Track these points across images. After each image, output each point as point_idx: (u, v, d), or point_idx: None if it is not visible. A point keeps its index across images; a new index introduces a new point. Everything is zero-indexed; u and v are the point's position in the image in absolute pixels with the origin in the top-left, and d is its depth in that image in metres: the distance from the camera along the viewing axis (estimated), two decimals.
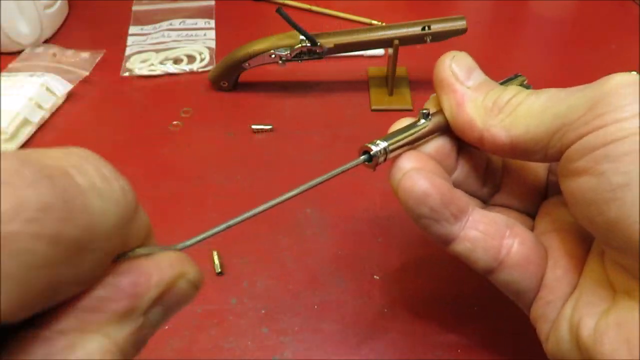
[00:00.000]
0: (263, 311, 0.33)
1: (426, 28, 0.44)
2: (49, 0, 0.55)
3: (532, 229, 0.27)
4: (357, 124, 0.46)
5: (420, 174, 0.23)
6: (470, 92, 0.24)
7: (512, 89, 0.23)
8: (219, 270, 0.35)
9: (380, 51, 0.53)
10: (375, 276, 0.35)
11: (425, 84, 0.49)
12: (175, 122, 0.47)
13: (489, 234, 0.24)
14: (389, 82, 0.48)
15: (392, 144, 0.24)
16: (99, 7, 0.62)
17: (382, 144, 0.24)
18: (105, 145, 0.45)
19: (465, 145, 0.26)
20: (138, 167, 0.43)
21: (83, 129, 0.46)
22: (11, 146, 0.43)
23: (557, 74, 0.51)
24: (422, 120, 0.25)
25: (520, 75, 0.28)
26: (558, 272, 0.24)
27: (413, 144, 0.25)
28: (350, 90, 0.50)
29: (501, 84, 0.25)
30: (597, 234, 0.21)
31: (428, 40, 0.45)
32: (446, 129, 0.25)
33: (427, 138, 0.25)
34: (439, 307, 0.33)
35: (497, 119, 0.23)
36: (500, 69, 0.52)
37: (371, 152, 0.24)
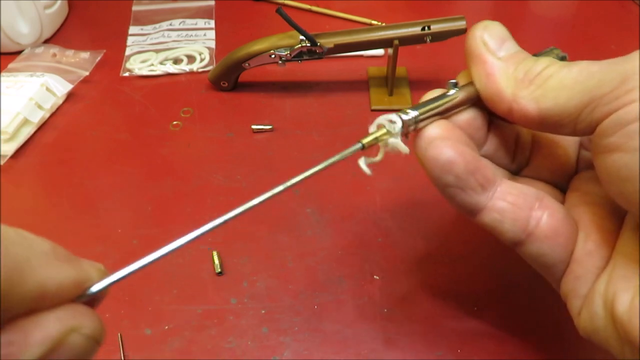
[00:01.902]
0: (263, 311, 0.33)
1: (426, 28, 0.44)
2: (49, 0, 0.55)
3: (562, 202, 0.26)
4: (357, 124, 0.46)
5: (445, 142, 0.23)
6: (501, 62, 0.23)
7: (545, 60, 0.23)
8: (219, 270, 0.35)
9: (380, 51, 0.53)
10: (375, 276, 0.35)
11: (425, 83, 0.49)
12: (175, 122, 0.47)
13: (517, 205, 0.23)
14: (389, 82, 0.48)
15: (423, 113, 0.24)
16: (99, 7, 0.62)
17: (413, 113, 0.24)
18: (105, 145, 0.45)
19: (495, 118, 0.26)
20: (138, 167, 0.43)
21: (83, 129, 0.46)
22: (11, 146, 0.43)
23: None
24: (452, 91, 0.24)
25: (555, 49, 0.28)
26: (589, 246, 0.23)
27: (443, 114, 0.24)
28: (350, 90, 0.50)
29: (535, 55, 0.25)
30: (632, 209, 0.21)
31: (428, 40, 0.45)
32: (477, 101, 0.25)
33: (457, 109, 0.25)
34: (439, 307, 0.33)
35: (527, 90, 0.22)
36: None
37: (403, 119, 0.23)
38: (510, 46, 0.24)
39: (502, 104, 0.23)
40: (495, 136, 0.27)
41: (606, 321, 0.21)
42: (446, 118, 0.25)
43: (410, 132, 0.24)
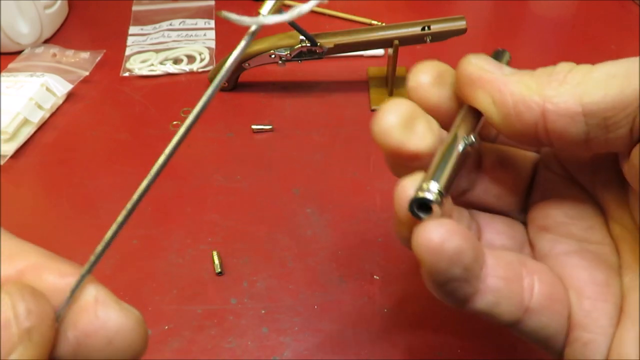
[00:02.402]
0: (263, 311, 0.33)
1: (426, 28, 0.44)
2: (49, 0, 0.55)
3: (512, 234, 0.23)
4: (357, 124, 0.46)
5: (445, 226, 0.18)
6: (511, 76, 0.19)
7: (566, 64, 0.19)
8: (219, 270, 0.35)
9: (380, 51, 0.53)
10: (375, 276, 0.35)
11: None
12: (175, 122, 0.47)
13: (509, 278, 0.19)
14: (389, 82, 0.48)
15: (442, 178, 0.18)
16: (99, 7, 0.62)
17: (434, 186, 0.18)
18: (105, 145, 0.45)
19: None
20: (138, 167, 0.43)
21: (83, 129, 0.46)
22: (11, 146, 0.43)
23: None
24: (462, 146, 0.20)
25: (505, 51, 0.24)
26: (586, 305, 0.20)
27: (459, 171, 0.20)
28: (350, 90, 0.50)
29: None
30: None
31: (428, 40, 0.45)
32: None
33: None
34: (439, 307, 0.33)
35: (561, 88, 0.18)
36: None
37: (429, 201, 0.18)
38: (510, 68, 0.20)
39: (529, 113, 0.18)
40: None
41: None
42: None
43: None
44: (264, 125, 0.46)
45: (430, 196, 0.18)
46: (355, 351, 0.31)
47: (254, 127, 0.46)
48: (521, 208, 0.24)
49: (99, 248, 0.17)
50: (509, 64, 0.22)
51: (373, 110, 0.47)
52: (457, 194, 0.23)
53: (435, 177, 0.18)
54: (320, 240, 0.37)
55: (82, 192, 0.41)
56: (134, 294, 0.34)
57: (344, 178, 0.41)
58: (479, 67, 0.20)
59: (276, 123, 0.46)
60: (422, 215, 0.18)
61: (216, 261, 0.35)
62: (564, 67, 0.19)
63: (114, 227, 0.18)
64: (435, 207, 0.18)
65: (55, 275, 0.17)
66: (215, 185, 0.41)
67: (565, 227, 0.22)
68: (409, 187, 0.19)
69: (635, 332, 0.19)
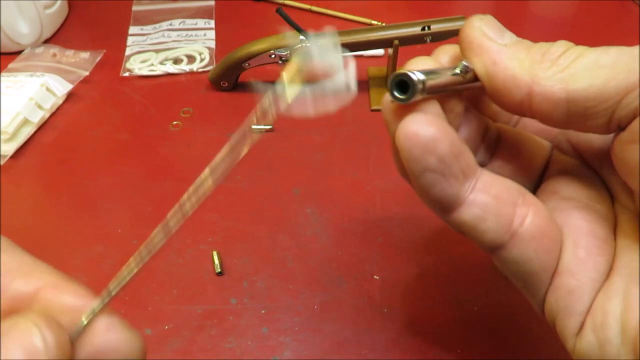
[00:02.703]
0: (263, 311, 0.33)
1: (426, 28, 0.44)
2: (49, 0, 0.55)
3: None
4: (357, 124, 0.46)
5: (426, 116, 0.19)
6: (508, 48, 0.20)
7: (562, 43, 0.19)
8: (219, 270, 0.35)
9: (380, 51, 0.53)
10: (375, 276, 0.35)
11: None
12: (175, 122, 0.47)
13: (501, 199, 0.20)
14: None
15: (431, 79, 0.19)
16: (99, 7, 0.62)
17: (419, 76, 0.19)
18: (105, 145, 0.45)
19: (471, 107, 0.23)
20: (138, 167, 0.43)
21: (83, 129, 0.46)
22: (11, 146, 0.43)
23: None
24: (457, 70, 0.21)
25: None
26: (580, 254, 0.20)
27: (439, 92, 0.20)
28: None
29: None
30: None
31: (428, 40, 0.45)
32: (475, 90, 0.22)
33: (453, 91, 0.21)
34: (439, 307, 0.33)
35: (550, 71, 0.19)
36: None
37: (412, 80, 0.18)
38: (511, 36, 0.21)
39: (518, 90, 0.19)
40: (465, 127, 0.23)
41: (626, 348, 0.18)
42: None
43: (415, 100, 0.19)
44: (264, 125, 0.46)
45: (413, 76, 0.18)
46: (355, 351, 0.31)
47: (254, 127, 0.45)
48: (534, 189, 0.24)
49: (112, 285, 0.19)
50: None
51: (373, 110, 0.47)
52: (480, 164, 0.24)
53: (423, 72, 0.19)
54: (320, 240, 0.37)
55: (82, 192, 0.41)
56: (134, 294, 0.34)
57: (344, 178, 0.41)
58: (481, 32, 0.21)
59: (276, 123, 0.46)
60: (398, 94, 0.19)
61: (216, 261, 0.35)
62: (559, 47, 0.19)
63: (128, 269, 0.20)
64: (412, 87, 0.18)
65: (73, 297, 0.18)
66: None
67: (574, 191, 0.22)
68: (413, 121, 0.19)
69: (621, 288, 0.19)
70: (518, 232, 0.20)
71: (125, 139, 0.45)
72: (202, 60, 0.53)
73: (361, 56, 0.53)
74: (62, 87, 0.48)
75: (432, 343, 0.31)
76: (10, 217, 0.39)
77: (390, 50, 0.46)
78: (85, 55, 0.53)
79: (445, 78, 0.20)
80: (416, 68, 0.20)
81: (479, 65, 0.21)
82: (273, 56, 0.46)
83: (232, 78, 0.48)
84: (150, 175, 0.42)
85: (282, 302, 0.33)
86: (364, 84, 0.50)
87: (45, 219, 0.39)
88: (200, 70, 0.52)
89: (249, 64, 0.47)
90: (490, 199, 0.20)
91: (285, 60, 0.46)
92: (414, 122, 0.19)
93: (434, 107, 0.20)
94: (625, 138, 0.18)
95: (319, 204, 0.39)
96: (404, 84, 0.19)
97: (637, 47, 0.18)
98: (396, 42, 0.45)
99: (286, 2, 0.61)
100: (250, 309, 0.33)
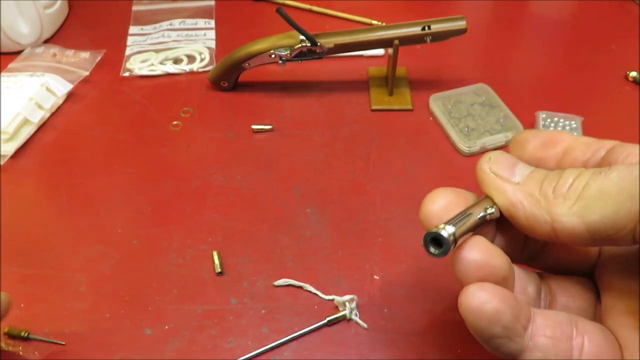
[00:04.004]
0: (263, 311, 0.33)
1: (426, 28, 0.44)
2: (49, 0, 0.55)
3: (592, 296, 0.25)
4: (357, 124, 0.46)
5: (485, 289, 0.21)
6: (522, 187, 0.22)
7: (571, 172, 0.21)
8: (219, 270, 0.35)
9: (380, 51, 0.53)
10: (375, 276, 0.35)
11: (425, 83, 0.49)
12: (175, 122, 0.47)
13: (557, 337, 0.21)
14: (389, 82, 0.48)
15: (459, 228, 0.21)
16: (99, 7, 0.62)
17: (450, 230, 0.21)
18: (105, 145, 0.45)
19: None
20: (138, 167, 0.43)
21: (83, 128, 0.46)
22: (11, 146, 0.43)
23: (557, 74, 0.51)
24: (490, 209, 0.23)
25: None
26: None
27: (474, 230, 0.23)
28: (350, 90, 0.50)
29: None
30: None
31: (428, 40, 0.45)
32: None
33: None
34: (439, 307, 0.33)
35: (564, 206, 0.20)
36: (500, 69, 0.52)
37: (443, 237, 0.21)
38: (523, 168, 0.22)
39: (542, 228, 0.21)
40: (504, 229, 0.24)
41: None
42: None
43: (451, 249, 0.21)
44: (264, 125, 0.46)
45: (444, 233, 0.21)
46: (355, 351, 0.31)
47: (254, 127, 0.46)
48: (593, 269, 0.25)
49: None
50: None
51: (373, 110, 0.47)
52: (530, 256, 0.26)
53: (452, 223, 0.21)
54: (320, 240, 0.37)
55: (82, 192, 0.41)
56: (134, 294, 0.34)
57: (344, 178, 0.41)
58: (492, 175, 0.23)
59: (276, 123, 0.46)
60: (434, 250, 0.21)
61: (216, 261, 0.35)
62: (568, 177, 0.21)
63: None
64: (445, 244, 0.21)
65: None
66: (215, 185, 0.41)
67: (626, 282, 0.23)
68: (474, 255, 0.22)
69: None
70: None
71: (125, 139, 0.45)
72: (202, 60, 0.53)
73: (361, 56, 0.53)
74: (62, 87, 0.48)
75: (432, 343, 0.31)
76: (10, 217, 0.39)
77: (390, 50, 0.46)
78: (85, 55, 0.53)
79: (472, 221, 0.22)
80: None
81: (501, 205, 0.22)
82: (273, 56, 0.46)
83: (232, 78, 0.48)
84: (150, 175, 0.42)
85: (282, 302, 0.33)
86: (364, 84, 0.50)
87: (45, 219, 0.39)
88: (200, 70, 0.52)
89: (249, 64, 0.47)
90: (548, 340, 0.21)
91: (285, 60, 0.46)
92: (475, 297, 0.20)
93: (481, 245, 0.22)
94: None
95: (319, 204, 0.39)
96: (437, 239, 0.21)
97: (637, 167, 0.19)
98: (396, 42, 0.45)
99: (286, 2, 0.61)
100: (250, 309, 0.33)
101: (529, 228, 0.21)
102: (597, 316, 0.24)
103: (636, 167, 0.19)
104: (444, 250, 0.21)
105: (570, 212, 0.20)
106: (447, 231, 0.21)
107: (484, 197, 0.23)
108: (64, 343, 0.32)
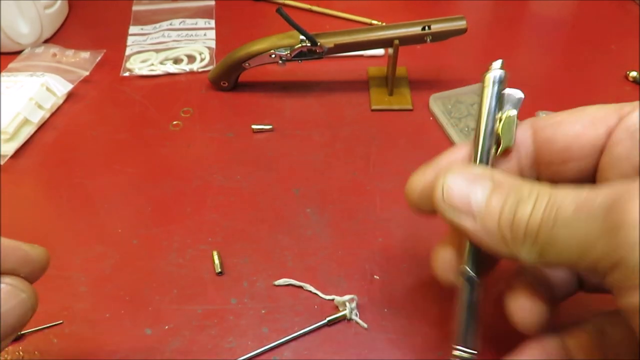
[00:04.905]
0: (263, 311, 0.33)
1: (426, 28, 0.44)
2: (49, 0, 0.55)
3: None
4: (357, 124, 0.46)
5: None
6: (481, 222, 0.22)
7: (525, 203, 0.21)
8: (219, 270, 0.35)
9: (380, 51, 0.53)
10: (375, 276, 0.35)
11: (425, 83, 0.49)
12: (175, 122, 0.47)
13: None
14: (389, 82, 0.48)
15: (470, 341, 0.24)
16: (99, 7, 0.62)
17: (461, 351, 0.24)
18: (105, 145, 0.45)
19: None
20: (138, 167, 0.43)
21: (83, 128, 0.46)
22: (11, 146, 0.43)
23: (557, 74, 0.51)
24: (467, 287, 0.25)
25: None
26: None
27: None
28: (350, 90, 0.50)
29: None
30: None
31: (428, 40, 0.45)
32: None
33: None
34: (439, 307, 0.33)
35: (524, 247, 0.21)
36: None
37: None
38: (479, 192, 0.22)
39: (510, 258, 0.22)
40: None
41: None
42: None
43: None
44: (264, 125, 0.46)
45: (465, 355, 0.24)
46: (355, 351, 0.31)
47: (254, 127, 0.46)
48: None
49: None
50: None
51: (373, 110, 0.47)
52: (572, 290, 0.26)
53: (460, 342, 0.24)
54: (320, 240, 0.37)
55: (82, 192, 0.41)
56: (134, 294, 0.34)
57: (344, 178, 0.41)
58: (451, 209, 0.23)
59: (276, 123, 0.46)
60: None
61: (216, 261, 0.35)
62: (522, 210, 0.21)
63: None
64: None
65: None
66: (215, 185, 0.41)
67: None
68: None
69: None
70: None
71: (125, 139, 0.45)
72: (202, 60, 0.53)
73: (361, 56, 0.53)
74: (62, 87, 0.48)
75: (432, 343, 0.31)
76: (10, 217, 0.39)
77: (390, 50, 0.46)
78: (85, 55, 0.53)
79: (468, 313, 0.25)
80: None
81: (467, 234, 0.23)
82: (273, 56, 0.46)
83: (232, 78, 0.48)
84: (150, 175, 0.42)
85: (282, 302, 0.33)
86: (364, 84, 0.50)
87: (45, 219, 0.39)
88: (200, 70, 0.52)
89: (249, 64, 0.47)
90: None
91: (285, 60, 0.46)
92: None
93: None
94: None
95: (319, 204, 0.39)
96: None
97: (583, 208, 0.19)
98: (396, 42, 0.45)
99: (286, 2, 0.61)
100: (250, 309, 0.33)
101: (501, 256, 0.22)
102: None
103: (583, 208, 0.19)
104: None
105: (530, 254, 0.21)
106: (464, 353, 0.24)
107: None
108: (61, 322, 0.32)
